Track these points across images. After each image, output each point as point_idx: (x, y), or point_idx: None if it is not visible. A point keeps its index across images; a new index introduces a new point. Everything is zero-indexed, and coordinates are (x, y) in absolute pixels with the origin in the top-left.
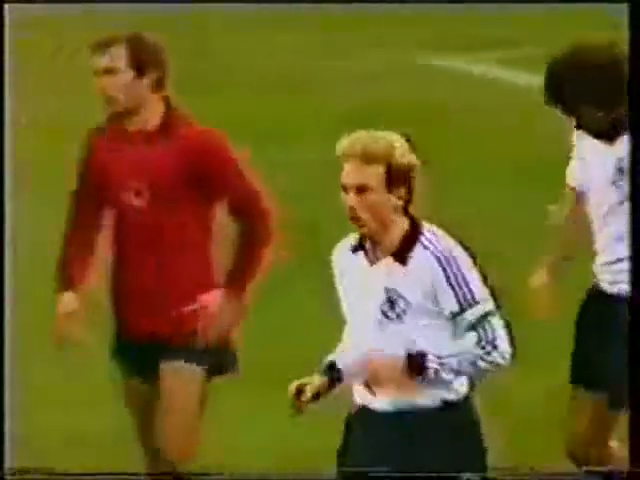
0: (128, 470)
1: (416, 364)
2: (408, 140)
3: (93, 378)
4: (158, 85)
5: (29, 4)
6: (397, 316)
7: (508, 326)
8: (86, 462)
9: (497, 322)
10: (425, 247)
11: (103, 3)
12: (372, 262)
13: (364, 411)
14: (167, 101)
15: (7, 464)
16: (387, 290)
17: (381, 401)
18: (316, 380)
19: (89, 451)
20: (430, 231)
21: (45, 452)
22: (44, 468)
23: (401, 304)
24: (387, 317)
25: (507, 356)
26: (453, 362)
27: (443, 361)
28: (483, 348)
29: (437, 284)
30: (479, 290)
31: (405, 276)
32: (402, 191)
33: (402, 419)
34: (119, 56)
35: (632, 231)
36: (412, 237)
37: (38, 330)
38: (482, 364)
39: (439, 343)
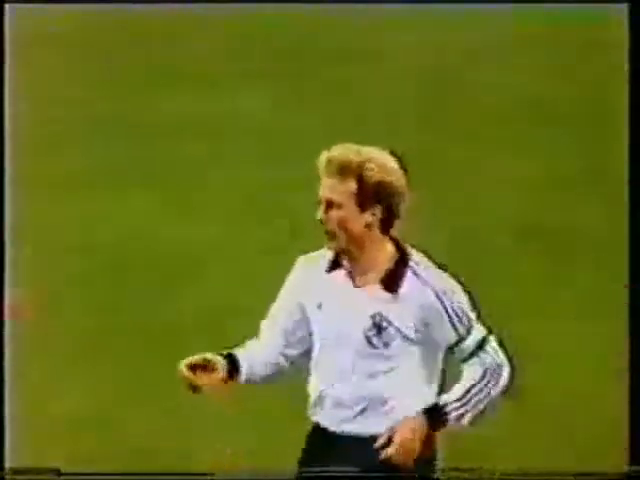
0: (128, 470)
1: (437, 418)
2: (398, 158)
3: (94, 378)
4: None
5: (29, 4)
6: (384, 344)
7: (501, 344)
8: (87, 461)
9: (495, 344)
10: (416, 276)
11: (104, 3)
12: (357, 284)
13: (325, 432)
14: None
15: (7, 464)
16: (374, 315)
17: (344, 424)
18: (213, 357)
19: (89, 449)
20: (417, 258)
21: (46, 452)
22: (44, 468)
23: (391, 331)
24: (371, 344)
25: (509, 375)
26: (472, 402)
27: (464, 401)
28: (492, 375)
29: (434, 316)
30: (471, 315)
31: (396, 304)
32: (377, 210)
33: (367, 443)
34: None
35: (632, 231)
36: (401, 265)
37: (39, 329)
38: (494, 392)
39: (425, 373)
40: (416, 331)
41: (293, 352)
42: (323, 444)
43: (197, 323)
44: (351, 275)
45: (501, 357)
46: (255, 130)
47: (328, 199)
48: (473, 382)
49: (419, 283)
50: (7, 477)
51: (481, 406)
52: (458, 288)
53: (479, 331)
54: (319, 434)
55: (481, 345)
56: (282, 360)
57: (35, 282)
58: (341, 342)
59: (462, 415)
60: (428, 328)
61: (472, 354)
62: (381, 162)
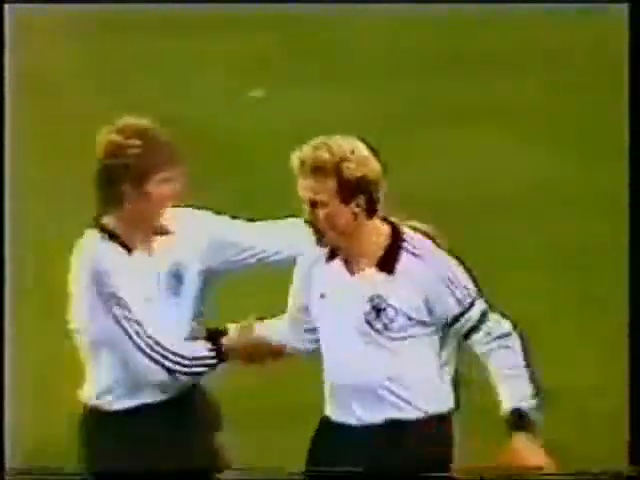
0: (129, 469)
1: (526, 420)
2: (370, 147)
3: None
4: None
5: (29, 4)
6: (384, 326)
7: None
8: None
9: (497, 315)
10: (413, 254)
11: (104, 3)
12: (352, 272)
13: (331, 424)
14: None
15: (7, 464)
16: (372, 298)
17: (349, 415)
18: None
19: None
20: (411, 236)
21: (47, 452)
22: (45, 468)
23: (390, 312)
24: (372, 327)
25: (519, 342)
26: (529, 383)
27: (530, 390)
28: (508, 342)
29: (435, 290)
30: (472, 287)
31: (393, 284)
32: (362, 200)
33: (379, 430)
34: None
35: (632, 231)
36: (395, 245)
37: (40, 328)
38: (523, 358)
39: (428, 353)
40: (418, 309)
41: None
42: (333, 436)
43: None
44: (347, 263)
45: (506, 326)
46: None
47: (311, 200)
48: (510, 365)
49: (416, 260)
50: (7, 478)
51: (531, 380)
52: (455, 262)
53: (481, 303)
54: (328, 427)
55: (484, 316)
56: (297, 343)
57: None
58: (344, 331)
59: (539, 405)
60: (430, 304)
61: (475, 327)
62: (357, 155)
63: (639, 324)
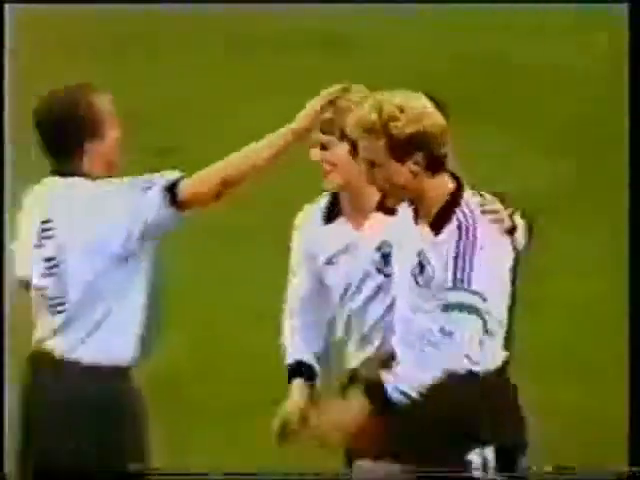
0: (130, 469)
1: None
2: (434, 100)
3: None
4: None
5: (29, 4)
6: (425, 283)
7: (488, 334)
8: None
9: (472, 320)
10: (457, 220)
11: (104, 3)
12: (415, 220)
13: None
14: None
15: (7, 465)
16: (419, 253)
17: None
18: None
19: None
20: (468, 203)
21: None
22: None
23: (429, 271)
24: (417, 282)
25: (465, 351)
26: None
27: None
28: (439, 333)
29: (444, 254)
30: (477, 282)
31: (434, 245)
32: (419, 157)
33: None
34: None
35: (632, 231)
36: (450, 207)
37: None
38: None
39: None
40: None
41: None
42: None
43: None
44: (415, 212)
45: (460, 331)
46: None
47: (368, 159)
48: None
49: (455, 225)
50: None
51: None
52: (490, 250)
53: (468, 297)
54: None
55: (454, 307)
56: None
57: None
58: (397, 279)
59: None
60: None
61: (445, 308)
62: (408, 112)
63: (638, 324)
